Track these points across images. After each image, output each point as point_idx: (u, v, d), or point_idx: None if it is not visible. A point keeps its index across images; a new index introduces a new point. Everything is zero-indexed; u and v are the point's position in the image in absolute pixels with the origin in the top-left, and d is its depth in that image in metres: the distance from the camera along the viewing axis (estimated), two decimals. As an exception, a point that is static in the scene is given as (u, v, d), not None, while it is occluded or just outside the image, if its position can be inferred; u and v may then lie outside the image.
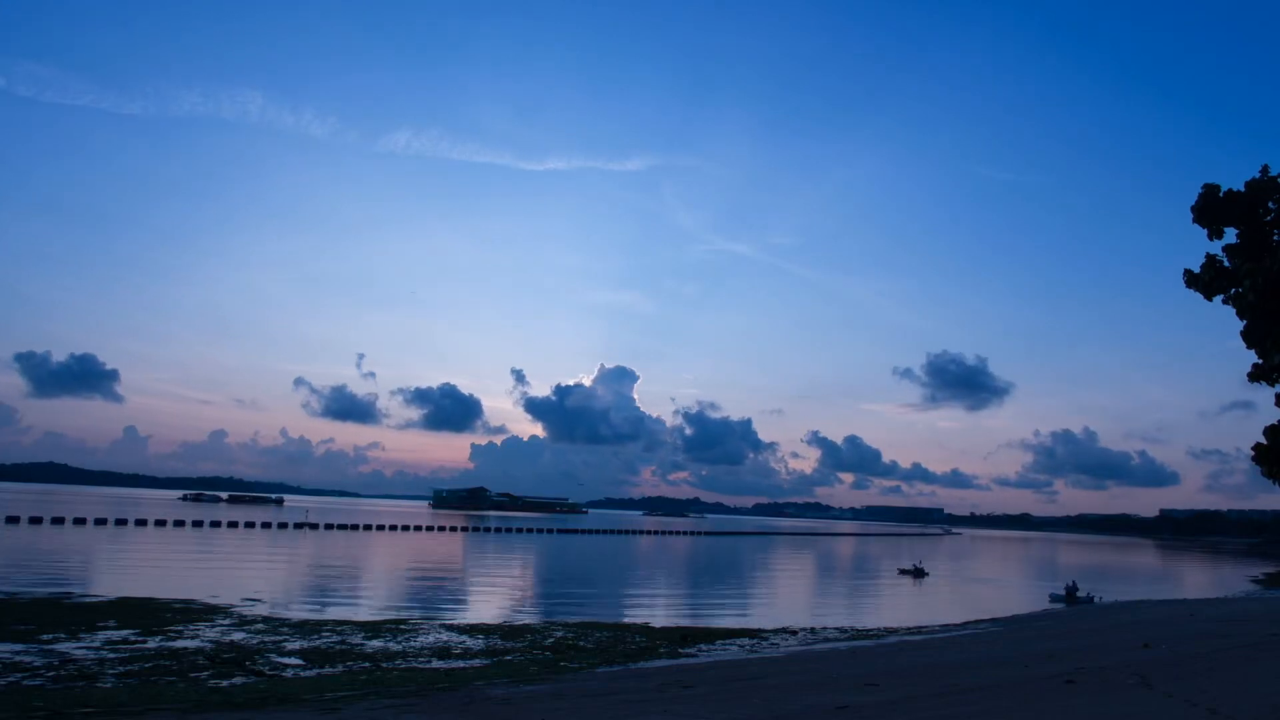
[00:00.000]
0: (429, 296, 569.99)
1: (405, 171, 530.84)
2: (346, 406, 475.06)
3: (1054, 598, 46.88)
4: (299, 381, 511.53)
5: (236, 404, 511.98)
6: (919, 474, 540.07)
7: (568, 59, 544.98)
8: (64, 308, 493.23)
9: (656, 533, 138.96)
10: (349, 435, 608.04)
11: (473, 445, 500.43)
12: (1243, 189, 24.39)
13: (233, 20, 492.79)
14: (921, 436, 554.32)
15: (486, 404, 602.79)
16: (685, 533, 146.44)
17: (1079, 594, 46.24)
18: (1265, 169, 24.26)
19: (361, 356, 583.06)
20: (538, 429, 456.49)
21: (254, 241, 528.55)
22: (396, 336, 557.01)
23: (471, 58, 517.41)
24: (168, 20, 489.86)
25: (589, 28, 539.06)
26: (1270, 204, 24.13)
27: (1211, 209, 24.75)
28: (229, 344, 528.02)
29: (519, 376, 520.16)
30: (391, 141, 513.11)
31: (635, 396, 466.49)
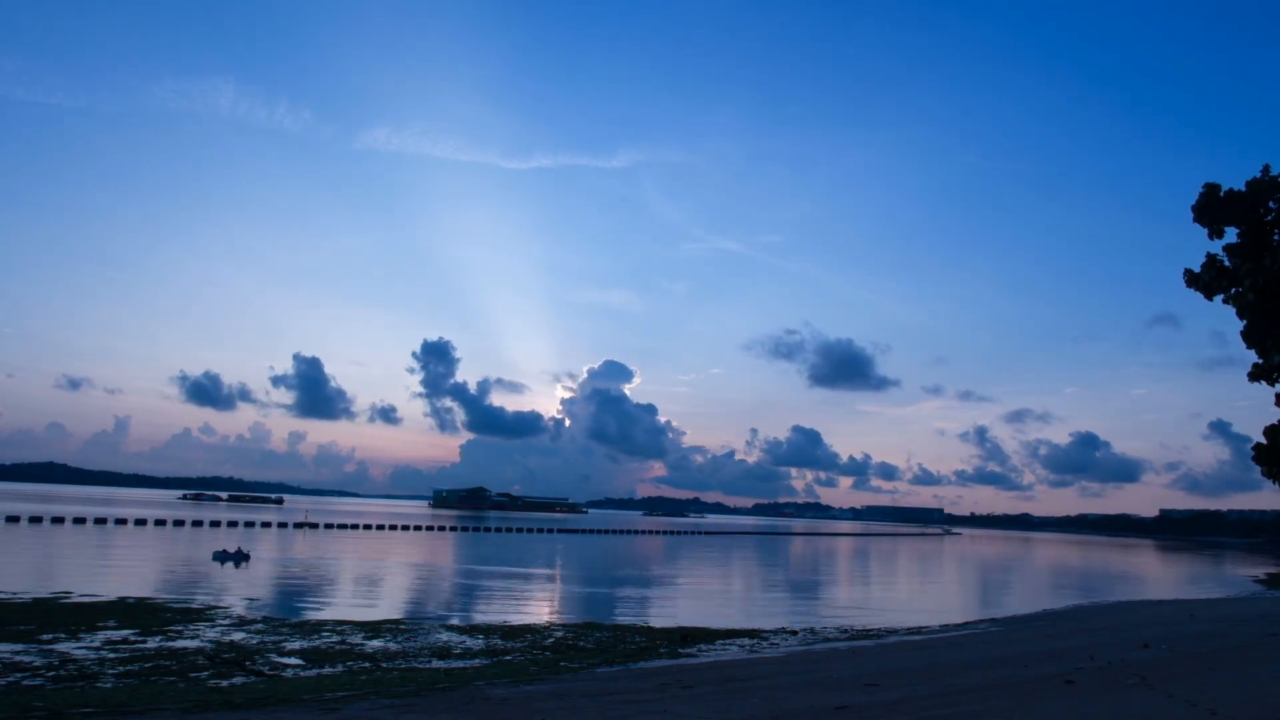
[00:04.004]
0: (414, 296, 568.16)
1: (386, 168, 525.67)
2: (331, 405, 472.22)
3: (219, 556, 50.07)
4: (278, 379, 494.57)
5: (217, 401, 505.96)
6: (917, 475, 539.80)
7: (552, 54, 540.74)
8: (36, 303, 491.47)
9: (645, 532, 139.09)
10: (336, 434, 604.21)
11: (465, 444, 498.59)
12: (1243, 188, 24.42)
13: (202, 8, 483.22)
14: (917, 437, 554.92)
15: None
16: (674, 532, 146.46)
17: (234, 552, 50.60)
18: (1266, 168, 24.29)
19: (341, 354, 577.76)
20: (528, 429, 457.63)
21: (230, 238, 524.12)
22: (378, 335, 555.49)
23: (453, 52, 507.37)
24: (136, 9, 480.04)
25: (573, 21, 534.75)
26: (1271, 203, 24.16)
27: (1212, 208, 24.78)
28: (204, 340, 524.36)
29: (501, 376, 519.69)
30: (371, 138, 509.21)
31: (627, 396, 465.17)
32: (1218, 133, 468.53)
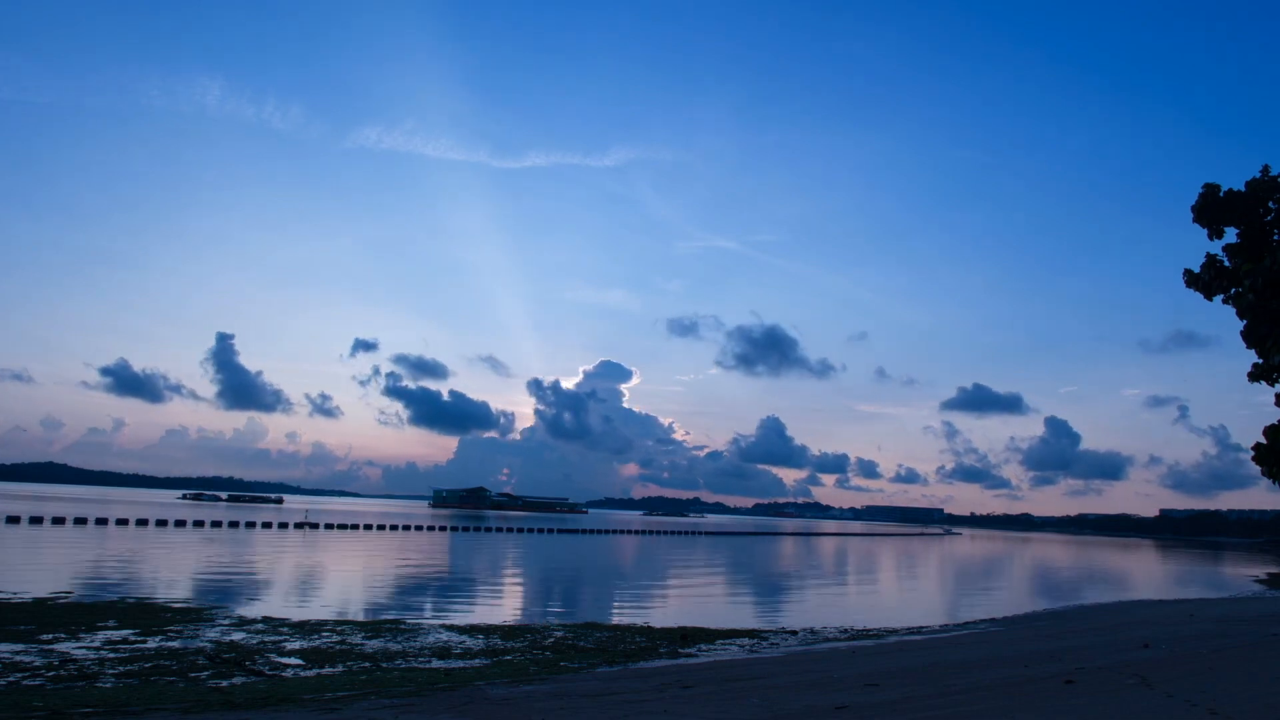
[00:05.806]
0: (407, 296, 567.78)
1: (377, 167, 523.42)
2: (324, 404, 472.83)
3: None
4: (270, 379, 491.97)
5: (210, 402, 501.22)
6: (915, 476, 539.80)
7: (544, 52, 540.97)
8: (24, 302, 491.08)
9: (645, 532, 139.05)
10: (330, 433, 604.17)
11: (461, 443, 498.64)
12: (1243, 188, 24.43)
13: (190, 5, 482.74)
14: (913, 437, 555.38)
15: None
16: (673, 532, 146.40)
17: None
18: (1266, 169, 24.31)
19: (336, 353, 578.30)
20: (521, 429, 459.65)
21: (221, 238, 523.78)
22: (372, 335, 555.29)
23: (444, 50, 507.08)
24: (123, 6, 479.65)
25: (564, 19, 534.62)
26: (1271, 203, 24.17)
27: (1212, 208, 24.80)
28: (197, 339, 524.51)
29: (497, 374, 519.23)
30: (361, 136, 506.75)
31: (625, 396, 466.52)
32: (1218, 133, 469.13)
